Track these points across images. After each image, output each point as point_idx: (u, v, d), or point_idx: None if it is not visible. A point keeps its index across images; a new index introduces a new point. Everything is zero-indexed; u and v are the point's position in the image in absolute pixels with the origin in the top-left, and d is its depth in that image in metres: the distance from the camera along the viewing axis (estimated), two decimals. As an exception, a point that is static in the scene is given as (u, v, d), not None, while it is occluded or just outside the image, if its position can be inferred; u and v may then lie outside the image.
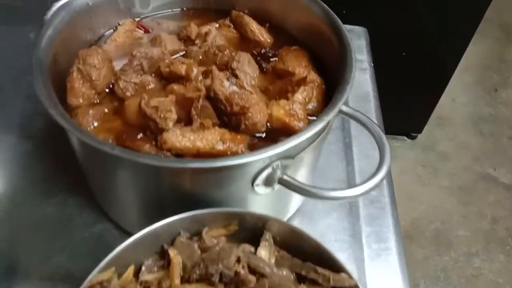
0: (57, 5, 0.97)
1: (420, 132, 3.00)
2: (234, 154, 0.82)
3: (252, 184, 0.75)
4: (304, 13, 0.99)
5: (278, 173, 0.75)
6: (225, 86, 0.84)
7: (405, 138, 3.07)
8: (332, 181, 1.07)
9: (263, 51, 1.00)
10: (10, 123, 1.14)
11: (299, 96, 0.90)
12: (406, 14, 2.24)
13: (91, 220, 0.96)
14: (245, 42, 1.06)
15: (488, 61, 3.56)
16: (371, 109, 1.23)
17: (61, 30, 0.87)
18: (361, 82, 1.28)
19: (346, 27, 1.41)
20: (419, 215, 2.67)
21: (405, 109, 2.65)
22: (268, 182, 0.76)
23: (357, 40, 1.42)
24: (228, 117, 0.85)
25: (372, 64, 1.36)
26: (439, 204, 2.76)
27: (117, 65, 0.95)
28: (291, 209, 0.97)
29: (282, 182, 0.75)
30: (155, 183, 0.76)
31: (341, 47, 0.86)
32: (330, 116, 0.74)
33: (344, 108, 0.80)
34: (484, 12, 2.24)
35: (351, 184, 1.07)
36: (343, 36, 0.87)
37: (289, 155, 0.73)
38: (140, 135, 0.83)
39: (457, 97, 3.28)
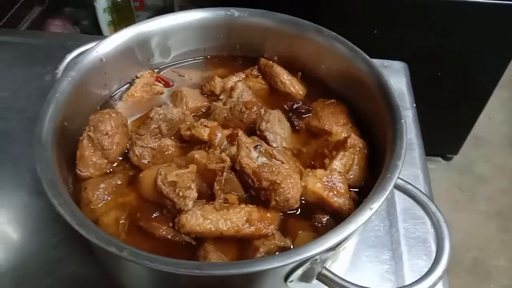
0: (69, 57, 0.89)
1: (456, 153, 2.84)
2: (264, 236, 0.71)
3: (285, 281, 0.64)
4: (342, 62, 0.87)
5: (317, 268, 0.63)
6: (252, 157, 0.73)
7: (440, 159, 2.92)
8: (376, 249, 0.94)
9: (295, 106, 0.89)
10: (22, 178, 1.05)
11: (338, 163, 0.78)
12: (442, 34, 2.11)
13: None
14: (274, 93, 0.95)
15: (525, 77, 3.37)
16: (415, 160, 1.09)
17: (70, 92, 0.78)
18: (403, 127, 1.15)
19: (384, 63, 1.30)
20: (456, 243, 2.48)
21: (440, 130, 2.51)
22: (304, 278, 0.64)
23: (396, 77, 1.29)
24: (256, 191, 0.74)
25: (415, 105, 1.23)
26: (476, 230, 2.59)
27: (133, 124, 0.86)
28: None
29: (321, 278, 0.64)
30: (171, 285, 0.66)
31: (390, 111, 0.74)
32: (381, 201, 0.62)
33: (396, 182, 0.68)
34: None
35: (397, 252, 0.94)
36: (391, 96, 0.75)
37: (332, 248, 0.61)
38: (156, 214, 0.74)
39: (493, 115, 3.11)
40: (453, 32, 2.11)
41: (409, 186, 0.72)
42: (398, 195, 1.03)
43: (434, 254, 0.95)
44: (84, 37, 1.73)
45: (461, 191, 2.80)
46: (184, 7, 2.78)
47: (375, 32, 2.13)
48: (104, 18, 2.84)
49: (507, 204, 2.71)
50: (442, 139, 2.66)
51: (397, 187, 0.71)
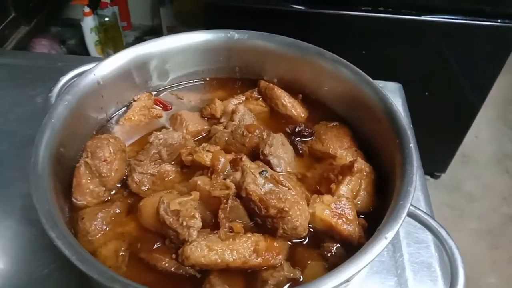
0: (63, 80, 0.85)
1: (444, 171, 2.86)
2: (272, 267, 0.68)
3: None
4: (345, 85, 0.86)
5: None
6: (259, 184, 0.70)
7: (429, 177, 2.93)
8: (381, 275, 0.92)
9: (297, 129, 0.87)
10: (11, 205, 1.00)
11: (345, 188, 0.76)
12: (429, 54, 2.14)
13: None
14: (275, 116, 0.93)
15: (509, 95, 3.43)
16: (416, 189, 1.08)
17: (67, 116, 0.75)
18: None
19: (379, 84, 1.30)
20: (446, 262, 2.49)
21: (428, 148, 2.51)
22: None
23: (392, 98, 1.27)
24: (263, 219, 0.71)
25: (412, 126, 1.22)
26: (466, 249, 2.58)
27: (130, 149, 0.83)
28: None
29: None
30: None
31: (397, 135, 0.72)
32: (396, 229, 0.60)
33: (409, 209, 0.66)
34: (509, 52, 2.13)
35: (402, 278, 0.91)
36: (398, 120, 0.74)
37: (347, 280, 0.58)
38: (158, 245, 0.70)
39: (479, 133, 3.15)
40: (440, 52, 2.14)
41: (418, 212, 0.70)
42: (401, 218, 1.01)
43: (439, 279, 0.95)
44: (74, 58, 1.69)
45: (450, 209, 2.80)
46: (172, 27, 2.77)
47: (363, 52, 2.14)
48: (91, 38, 2.82)
49: (497, 222, 2.72)
50: (430, 158, 2.66)
51: (410, 215, 0.69)
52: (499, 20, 1.98)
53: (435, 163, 2.84)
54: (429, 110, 2.37)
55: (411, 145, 0.70)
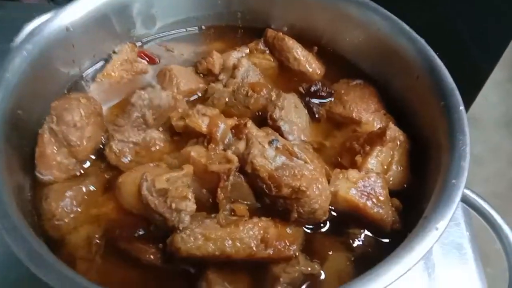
0: (28, 27, 0.69)
1: (453, 135, 2.75)
2: (284, 260, 0.55)
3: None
4: (372, 33, 0.71)
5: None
6: (268, 157, 0.56)
7: (437, 141, 2.82)
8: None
9: (313, 88, 0.71)
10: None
11: (374, 161, 0.62)
12: (440, 13, 1.97)
13: None
14: (285, 72, 0.77)
15: (520, 57, 3.28)
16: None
17: (26, 70, 0.60)
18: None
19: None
20: (453, 228, 2.43)
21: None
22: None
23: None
24: (273, 200, 0.57)
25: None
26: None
27: (110, 112, 0.68)
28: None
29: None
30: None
31: (442, 95, 0.58)
32: (449, 217, 0.46)
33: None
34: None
35: (429, 262, 0.79)
36: (443, 77, 0.59)
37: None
38: (141, 231, 0.56)
39: (488, 95, 3.02)
40: (452, 11, 1.97)
41: (470, 194, 0.56)
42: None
43: (471, 262, 0.83)
44: (45, 6, 1.49)
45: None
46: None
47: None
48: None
49: (504, 186, 2.64)
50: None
51: (466, 202, 0.56)
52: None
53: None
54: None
55: (461, 108, 0.56)
